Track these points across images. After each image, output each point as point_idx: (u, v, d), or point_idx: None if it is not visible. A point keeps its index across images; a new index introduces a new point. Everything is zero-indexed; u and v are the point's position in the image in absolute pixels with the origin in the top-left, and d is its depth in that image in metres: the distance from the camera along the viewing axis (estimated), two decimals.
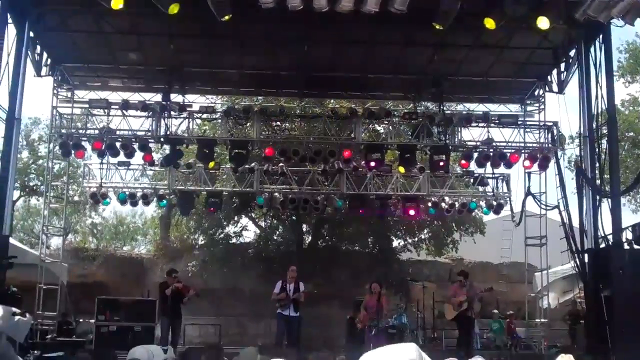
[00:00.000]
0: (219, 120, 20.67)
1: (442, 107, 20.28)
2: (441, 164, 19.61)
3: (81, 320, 21.43)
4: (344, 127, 21.12)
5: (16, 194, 36.26)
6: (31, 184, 38.73)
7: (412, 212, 21.91)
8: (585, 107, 16.61)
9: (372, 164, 19.91)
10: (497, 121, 20.43)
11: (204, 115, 20.43)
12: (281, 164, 20.83)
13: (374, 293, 16.54)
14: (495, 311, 22.94)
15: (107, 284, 28.88)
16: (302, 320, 17.12)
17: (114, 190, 21.29)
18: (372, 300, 16.46)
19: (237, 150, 19.63)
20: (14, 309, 15.45)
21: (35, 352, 16.03)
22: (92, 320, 19.12)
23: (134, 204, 21.78)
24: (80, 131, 20.28)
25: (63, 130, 19.96)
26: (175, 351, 15.22)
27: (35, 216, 43.61)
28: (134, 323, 18.32)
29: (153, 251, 34.70)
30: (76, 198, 34.39)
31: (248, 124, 20.57)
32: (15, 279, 17.42)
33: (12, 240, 17.95)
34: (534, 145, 20.28)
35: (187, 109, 19.88)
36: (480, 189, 22.52)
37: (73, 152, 19.67)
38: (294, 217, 28.85)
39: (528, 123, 20.87)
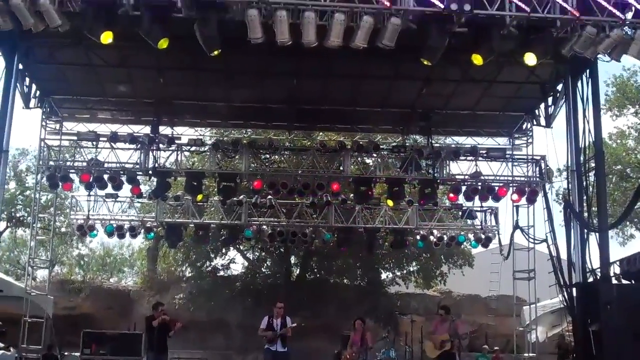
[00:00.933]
0: (208, 153, 20.65)
1: (430, 141, 20.35)
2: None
3: (66, 353, 21.23)
4: (332, 160, 21.14)
5: (2, 225, 36.15)
6: (18, 215, 38.55)
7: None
8: (572, 141, 16.65)
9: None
10: (485, 154, 20.52)
11: (193, 148, 20.40)
12: (269, 197, 20.79)
13: (357, 330, 16.48)
14: (485, 346, 22.85)
15: (93, 316, 28.68)
16: (290, 356, 16.99)
17: (101, 222, 21.19)
18: (357, 337, 16.39)
19: (225, 183, 19.59)
20: None
21: None
22: (78, 354, 18.95)
23: (121, 236, 21.70)
24: (68, 163, 20.24)
25: (51, 162, 19.84)
26: None
27: (22, 247, 43.28)
28: (119, 357, 18.18)
29: (140, 283, 34.52)
30: (63, 229, 34.22)
31: (237, 157, 20.54)
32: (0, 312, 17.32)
33: None
34: (522, 178, 20.36)
35: (176, 141, 19.85)
36: (469, 222, 22.57)
37: (60, 184, 19.59)
38: (282, 250, 28.79)
39: (516, 156, 20.95)
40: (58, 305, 25.01)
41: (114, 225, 21.12)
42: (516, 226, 20.63)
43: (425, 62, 13.71)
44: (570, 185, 17.16)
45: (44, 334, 19.87)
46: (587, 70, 15.76)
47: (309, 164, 20.76)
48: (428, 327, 17.63)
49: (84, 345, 18.51)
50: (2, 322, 17.72)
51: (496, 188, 20.05)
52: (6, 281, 20.38)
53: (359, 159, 22.31)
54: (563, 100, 17.60)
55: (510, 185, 20.27)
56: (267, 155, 21.93)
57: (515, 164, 20.70)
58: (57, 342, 21.37)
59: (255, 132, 23.38)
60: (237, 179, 20.05)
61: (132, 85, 18.93)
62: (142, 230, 21.70)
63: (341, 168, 20.69)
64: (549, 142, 23.86)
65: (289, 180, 20.10)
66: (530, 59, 13.72)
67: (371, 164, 22.51)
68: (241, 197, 20.74)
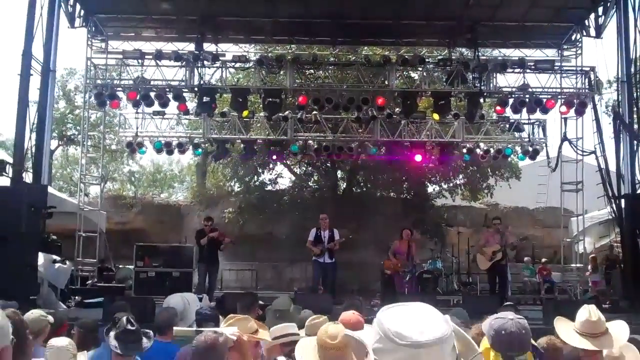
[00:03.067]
0: (252, 69, 20.65)
1: (477, 53, 20.04)
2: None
3: (120, 266, 21.88)
4: (377, 75, 20.97)
5: (54, 143, 36.82)
6: (69, 133, 39.29)
7: (418, 158, 21.49)
8: (623, 52, 16.37)
9: None
10: (533, 67, 20.13)
11: (237, 65, 20.39)
12: (315, 112, 20.80)
13: (404, 239, 16.68)
14: (527, 258, 22.96)
15: (145, 231, 29.35)
16: (337, 267, 17.36)
17: (150, 139, 21.42)
18: (403, 246, 16.61)
19: (270, 99, 19.62)
20: (54, 257, 15.93)
21: (76, 297, 16.50)
22: (131, 266, 19.52)
23: (170, 152, 21.91)
24: (115, 81, 20.44)
25: (98, 81, 20.07)
26: (212, 296, 15.58)
27: (74, 165, 44.11)
28: (172, 269, 18.64)
29: (190, 198, 35.08)
30: (113, 147, 34.81)
31: (281, 73, 20.53)
32: (54, 227, 17.84)
33: (50, 189, 18.30)
34: (571, 90, 19.97)
35: (220, 58, 19.85)
36: (516, 134, 22.31)
37: (108, 102, 19.81)
38: (328, 164, 28.94)
39: (565, 68, 20.55)
40: (111, 220, 25.64)
41: (162, 142, 21.32)
42: (564, 138, 20.41)
43: None
44: (620, 96, 16.96)
45: (98, 248, 20.47)
46: None
47: (354, 79, 20.67)
48: (479, 241, 17.85)
49: (137, 258, 18.99)
50: (57, 237, 18.31)
51: (544, 100, 19.73)
52: (60, 197, 20.88)
53: (404, 72, 22.06)
54: (614, 9, 17.20)
55: (559, 97, 19.94)
56: (312, 71, 21.80)
57: (564, 75, 20.30)
58: (110, 256, 22.06)
59: (299, 47, 23.20)
60: (282, 95, 20.08)
61: (175, 1, 18.92)
62: (190, 147, 21.92)
63: (386, 82, 20.53)
64: (599, 53, 23.32)
65: (334, 95, 20.05)
66: None
67: (416, 77, 22.32)
68: (287, 112, 20.77)
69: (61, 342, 5.13)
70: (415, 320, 2.35)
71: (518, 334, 3.70)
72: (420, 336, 2.27)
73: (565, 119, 20.34)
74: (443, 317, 2.38)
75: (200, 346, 4.44)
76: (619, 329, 5.03)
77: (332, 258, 16.89)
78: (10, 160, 15.93)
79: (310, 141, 21.85)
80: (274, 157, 23.14)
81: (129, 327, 5.68)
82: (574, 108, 19.61)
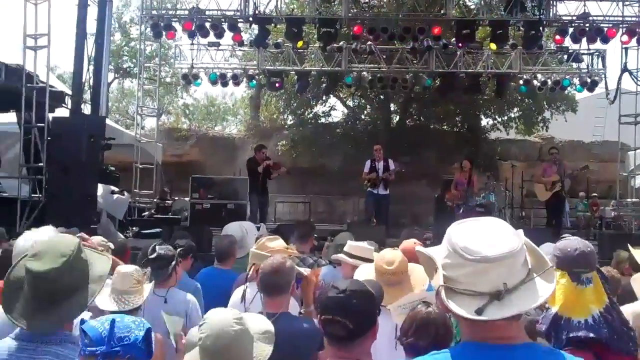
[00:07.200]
0: None
1: None
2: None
3: (177, 198, 22.18)
4: (434, 3, 20.62)
5: (111, 76, 37.20)
6: (124, 65, 39.65)
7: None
8: None
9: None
10: None
11: None
12: (369, 42, 20.55)
13: (465, 170, 16.56)
14: (582, 193, 22.74)
15: (200, 163, 29.65)
16: (390, 199, 17.36)
17: (205, 71, 21.50)
18: (463, 177, 16.50)
19: (325, 29, 19.42)
20: (112, 188, 16.25)
21: (134, 228, 16.85)
22: (187, 198, 19.78)
23: (225, 84, 21.98)
24: (171, 12, 20.45)
25: (153, 12, 20.07)
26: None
27: (130, 98, 44.69)
28: (227, 201, 18.83)
29: (244, 131, 35.25)
30: (168, 79, 35.03)
31: (336, 2, 20.29)
32: (112, 159, 18.13)
33: (108, 122, 18.53)
34: (633, 18, 19.37)
35: None
36: (575, 65, 21.83)
37: (164, 33, 19.84)
38: (382, 96, 28.75)
39: None
40: (166, 152, 25.93)
41: (217, 74, 21.41)
42: (624, 69, 19.88)
43: None
44: None
45: (155, 180, 20.76)
46: None
47: (410, 8, 20.29)
48: (537, 171, 17.68)
49: (192, 190, 19.18)
50: (115, 168, 18.64)
51: (605, 29, 19.16)
52: (117, 130, 21.13)
53: (461, 1, 21.62)
54: None
55: (620, 26, 19.36)
56: (367, 0, 21.51)
57: (627, 3, 19.64)
58: (167, 187, 22.36)
59: None
60: (336, 25, 19.84)
61: None
62: (245, 79, 21.94)
63: (443, 11, 20.16)
64: None
65: (389, 24, 19.76)
66: None
67: (473, 6, 21.87)
68: (341, 43, 20.57)
69: (127, 268, 5.25)
70: (485, 234, 2.33)
71: (584, 252, 3.69)
72: (489, 251, 2.25)
73: (626, 48, 19.72)
74: (514, 231, 2.36)
75: (266, 269, 4.53)
76: None
77: (386, 189, 16.82)
78: (69, 92, 16.12)
79: (364, 72, 21.68)
80: None
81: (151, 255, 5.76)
82: (636, 37, 19.04)
